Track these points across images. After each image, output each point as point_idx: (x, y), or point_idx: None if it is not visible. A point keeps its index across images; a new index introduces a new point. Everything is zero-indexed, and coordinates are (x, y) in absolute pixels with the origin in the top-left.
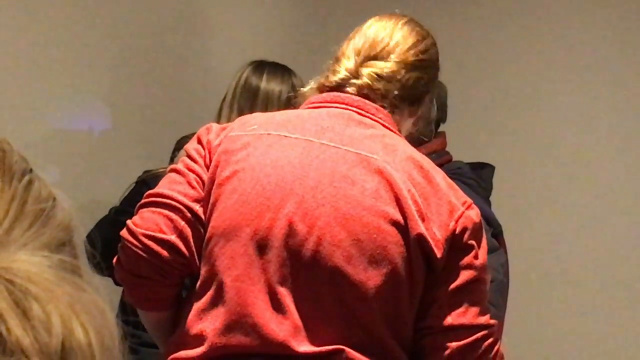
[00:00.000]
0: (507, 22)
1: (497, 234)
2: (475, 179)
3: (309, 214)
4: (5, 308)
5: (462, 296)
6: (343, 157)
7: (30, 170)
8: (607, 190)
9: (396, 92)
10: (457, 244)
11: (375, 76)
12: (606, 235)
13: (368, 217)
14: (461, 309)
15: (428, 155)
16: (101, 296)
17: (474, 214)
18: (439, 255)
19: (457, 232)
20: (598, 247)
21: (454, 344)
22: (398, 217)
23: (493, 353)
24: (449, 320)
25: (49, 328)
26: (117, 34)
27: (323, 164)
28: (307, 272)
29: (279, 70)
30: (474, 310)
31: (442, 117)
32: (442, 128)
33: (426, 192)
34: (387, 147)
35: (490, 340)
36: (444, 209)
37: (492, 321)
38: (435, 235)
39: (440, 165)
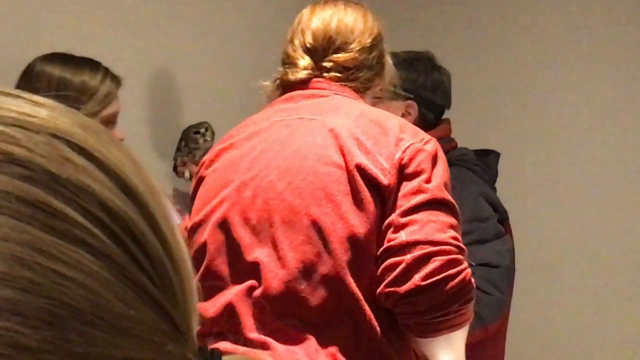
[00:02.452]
0: (513, 9)
1: (502, 219)
2: (481, 165)
3: (255, 182)
4: None
5: (416, 216)
6: (297, 125)
7: None
8: (612, 177)
9: (363, 75)
10: (406, 172)
11: (341, 68)
12: (610, 222)
13: (308, 165)
14: (415, 227)
15: None
16: None
17: (430, 146)
18: (385, 182)
19: (404, 160)
20: (602, 234)
21: (408, 257)
22: (338, 158)
23: (454, 272)
24: (403, 237)
25: None
26: None
27: (278, 138)
28: (265, 229)
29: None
30: (431, 227)
31: (446, 104)
32: (446, 115)
33: (375, 135)
34: (338, 109)
35: (449, 257)
36: (391, 144)
37: (454, 240)
38: (382, 164)
39: (445, 152)
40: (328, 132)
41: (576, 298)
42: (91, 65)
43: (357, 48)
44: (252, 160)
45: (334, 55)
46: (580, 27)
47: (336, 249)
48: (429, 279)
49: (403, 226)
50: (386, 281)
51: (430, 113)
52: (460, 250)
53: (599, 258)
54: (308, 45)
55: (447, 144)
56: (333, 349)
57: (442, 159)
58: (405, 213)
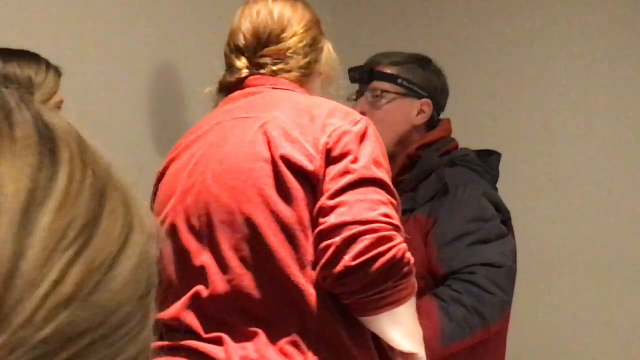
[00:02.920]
0: (510, 9)
1: (505, 220)
2: (483, 165)
3: (195, 188)
4: None
5: (344, 197)
6: (232, 126)
7: None
8: (613, 178)
9: (298, 63)
10: (332, 155)
11: (274, 61)
12: (612, 222)
13: (240, 164)
14: (344, 209)
15: (434, 142)
16: None
17: (359, 127)
18: (311, 168)
19: (330, 144)
20: (603, 234)
21: (337, 239)
22: (266, 152)
23: (384, 250)
24: (332, 220)
25: None
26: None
27: (214, 142)
28: (207, 233)
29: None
30: (360, 207)
31: (442, 105)
32: (447, 115)
33: (303, 124)
34: (271, 103)
35: (379, 235)
36: (317, 130)
37: (384, 218)
38: (308, 151)
39: (447, 152)
40: (258, 129)
41: (577, 298)
42: (33, 58)
43: (288, 37)
44: (192, 167)
45: (266, 50)
46: (578, 26)
47: (272, 242)
48: (358, 258)
49: (332, 209)
50: (320, 265)
51: (437, 114)
52: (393, 227)
53: (601, 258)
54: (241, 45)
55: (449, 144)
56: (282, 342)
57: (372, 137)
58: (334, 195)
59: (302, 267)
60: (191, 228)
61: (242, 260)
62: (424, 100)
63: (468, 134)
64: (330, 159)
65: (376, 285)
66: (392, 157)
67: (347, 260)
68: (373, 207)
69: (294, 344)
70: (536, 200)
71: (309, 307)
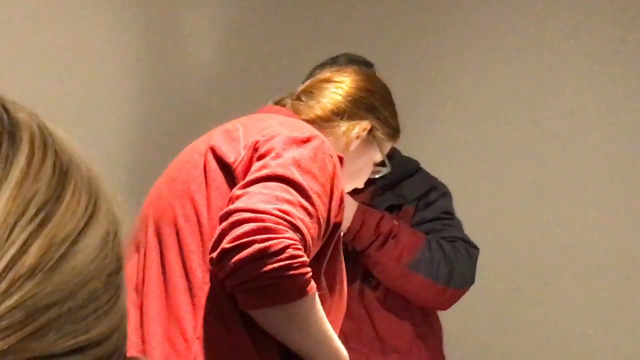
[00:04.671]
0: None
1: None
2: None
3: (153, 202)
4: None
5: (250, 188)
6: (198, 145)
7: None
8: (594, 182)
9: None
10: (259, 153)
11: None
12: (602, 223)
13: (181, 167)
14: (244, 197)
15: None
16: None
17: (302, 136)
18: (231, 159)
19: (259, 143)
20: (594, 234)
21: (224, 224)
22: (203, 146)
23: (262, 238)
24: (230, 207)
25: None
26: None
27: (181, 159)
28: (153, 238)
29: None
30: (257, 198)
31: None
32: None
33: (249, 126)
34: (242, 122)
35: (263, 225)
36: (259, 133)
37: (280, 212)
38: (238, 147)
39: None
40: (208, 134)
41: (569, 301)
42: None
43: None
44: (158, 185)
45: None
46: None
47: (182, 228)
48: (233, 242)
49: (237, 198)
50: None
51: None
52: (286, 223)
53: (589, 266)
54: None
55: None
56: (173, 334)
57: (311, 148)
58: (243, 186)
59: (204, 255)
60: (149, 234)
61: (160, 246)
62: None
63: (453, 143)
64: (257, 156)
65: (248, 272)
66: None
67: (224, 242)
68: (272, 200)
69: (183, 335)
70: (528, 200)
71: (204, 300)
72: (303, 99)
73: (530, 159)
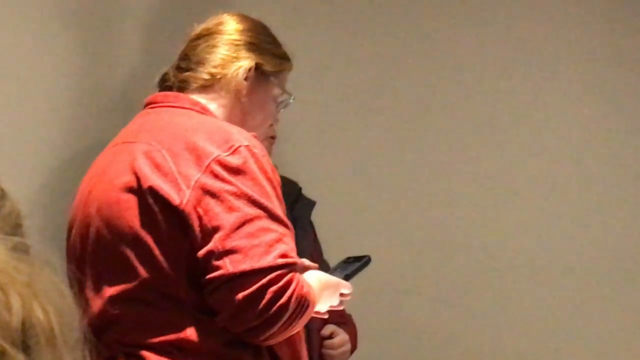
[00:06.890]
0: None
1: None
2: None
3: (82, 218)
4: None
5: (237, 241)
6: (114, 153)
7: None
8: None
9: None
10: (211, 191)
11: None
12: (586, 230)
13: (111, 195)
14: (239, 255)
15: None
16: (58, 276)
17: (239, 156)
18: (176, 201)
19: (205, 179)
20: (586, 235)
21: (240, 295)
22: (133, 183)
23: (284, 301)
24: (230, 268)
25: (9, 307)
26: None
27: (100, 167)
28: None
29: None
30: (255, 252)
31: None
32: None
33: (176, 151)
34: (147, 125)
35: (277, 286)
36: (192, 161)
37: (281, 260)
38: (180, 185)
39: None
40: (126, 154)
41: (563, 307)
42: None
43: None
44: (88, 187)
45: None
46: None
47: (140, 271)
48: (262, 316)
49: (226, 253)
50: (222, 318)
51: None
52: (288, 267)
53: (580, 269)
54: None
55: None
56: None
57: (245, 166)
58: (224, 239)
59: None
60: (75, 260)
61: (112, 290)
62: None
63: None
64: (209, 193)
65: (273, 324)
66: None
67: (251, 318)
68: (267, 250)
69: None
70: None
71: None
72: (182, 65)
73: (530, 159)
